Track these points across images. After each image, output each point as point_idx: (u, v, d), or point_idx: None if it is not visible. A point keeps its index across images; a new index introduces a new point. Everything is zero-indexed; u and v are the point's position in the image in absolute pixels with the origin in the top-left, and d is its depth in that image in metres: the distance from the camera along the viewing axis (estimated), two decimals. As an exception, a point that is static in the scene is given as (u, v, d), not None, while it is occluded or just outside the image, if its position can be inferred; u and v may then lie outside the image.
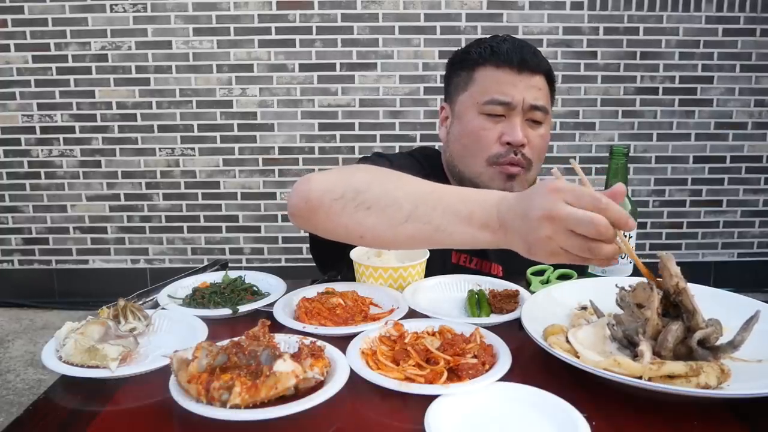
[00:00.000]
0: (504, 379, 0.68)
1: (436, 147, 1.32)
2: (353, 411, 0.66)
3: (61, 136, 3.09)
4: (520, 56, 1.12)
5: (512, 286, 0.98)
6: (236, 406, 0.59)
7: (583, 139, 3.13)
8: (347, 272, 1.07)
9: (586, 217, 0.66)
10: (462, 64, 1.19)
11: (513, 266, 1.18)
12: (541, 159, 1.18)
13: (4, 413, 2.15)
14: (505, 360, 0.71)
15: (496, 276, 1.17)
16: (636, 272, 1.01)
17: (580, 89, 3.06)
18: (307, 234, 1.03)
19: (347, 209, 0.82)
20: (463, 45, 1.24)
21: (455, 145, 1.19)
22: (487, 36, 1.20)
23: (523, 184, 1.15)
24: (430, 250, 1.03)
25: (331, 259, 1.11)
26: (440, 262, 1.07)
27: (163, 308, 0.89)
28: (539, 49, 1.20)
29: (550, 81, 1.18)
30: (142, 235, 3.20)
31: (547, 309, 0.85)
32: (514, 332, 0.81)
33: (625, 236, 1.01)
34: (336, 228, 0.85)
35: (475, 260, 1.19)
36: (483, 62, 1.14)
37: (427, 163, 1.24)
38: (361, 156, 1.26)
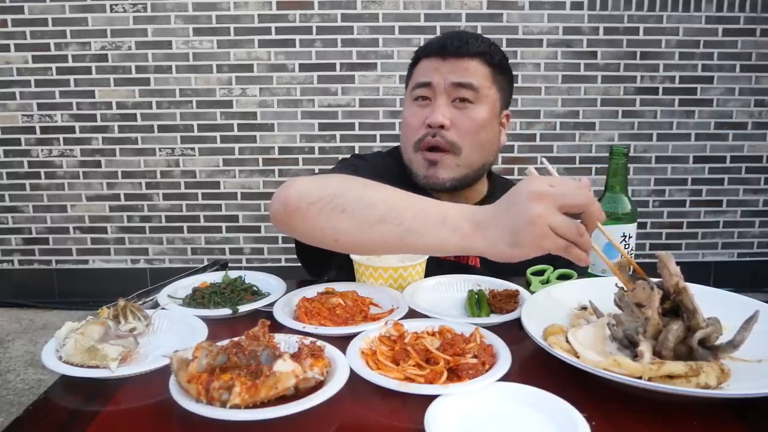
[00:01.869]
0: (504, 379, 0.67)
1: None
2: (353, 411, 0.66)
3: (61, 136, 3.09)
4: (442, 44, 1.14)
5: (512, 286, 0.98)
6: (236, 406, 0.59)
7: (583, 139, 3.13)
8: (347, 272, 1.07)
9: (575, 187, 0.71)
10: (410, 65, 1.24)
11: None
12: (475, 143, 1.14)
13: (4, 413, 2.15)
14: (504, 360, 0.71)
15: (474, 267, 1.17)
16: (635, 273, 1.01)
17: (580, 89, 3.06)
18: None
19: (323, 212, 0.83)
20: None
21: (400, 137, 1.23)
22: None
23: (451, 169, 1.14)
24: None
25: (318, 262, 1.11)
26: None
27: (163, 308, 0.89)
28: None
29: (491, 64, 1.15)
30: (142, 235, 3.20)
31: (547, 309, 0.85)
32: (514, 332, 0.81)
33: (626, 236, 1.02)
34: (312, 231, 0.86)
35: None
36: (418, 59, 1.20)
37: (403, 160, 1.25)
38: (341, 157, 1.29)
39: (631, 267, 0.78)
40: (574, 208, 0.72)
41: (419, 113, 1.14)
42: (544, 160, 0.80)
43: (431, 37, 1.22)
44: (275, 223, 0.92)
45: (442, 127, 1.11)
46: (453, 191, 1.17)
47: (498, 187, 1.27)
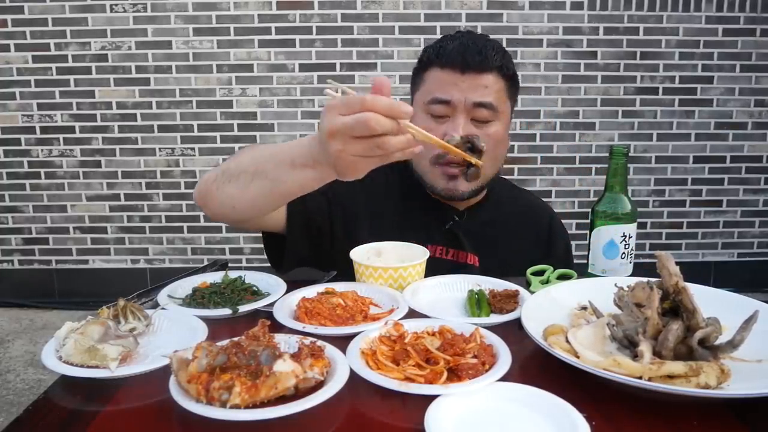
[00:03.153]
0: (504, 379, 0.67)
1: None
2: (353, 411, 0.66)
3: (61, 136, 3.09)
4: (463, 57, 1.11)
5: (512, 286, 0.98)
6: (236, 406, 0.59)
7: (583, 139, 3.13)
8: (347, 272, 1.07)
9: (354, 120, 0.71)
10: (419, 65, 1.20)
11: (488, 255, 1.20)
12: (492, 158, 1.14)
13: (4, 413, 2.15)
14: (504, 360, 0.71)
15: (472, 266, 1.18)
16: (636, 272, 1.01)
17: (580, 89, 3.06)
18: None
19: (220, 188, 0.96)
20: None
21: None
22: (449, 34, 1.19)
23: (471, 183, 1.15)
24: None
25: (279, 255, 1.15)
26: None
27: (163, 308, 0.89)
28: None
29: (506, 77, 1.15)
30: (142, 235, 3.20)
31: (547, 309, 0.85)
32: (514, 332, 0.81)
33: (626, 236, 1.02)
34: (220, 206, 0.98)
35: (452, 251, 1.20)
36: (430, 63, 1.16)
37: (396, 162, 1.25)
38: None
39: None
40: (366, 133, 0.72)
41: (437, 129, 1.12)
42: (330, 81, 0.81)
43: (432, 37, 1.21)
44: (201, 209, 1.04)
45: None
46: (468, 199, 1.20)
47: (495, 185, 1.27)
